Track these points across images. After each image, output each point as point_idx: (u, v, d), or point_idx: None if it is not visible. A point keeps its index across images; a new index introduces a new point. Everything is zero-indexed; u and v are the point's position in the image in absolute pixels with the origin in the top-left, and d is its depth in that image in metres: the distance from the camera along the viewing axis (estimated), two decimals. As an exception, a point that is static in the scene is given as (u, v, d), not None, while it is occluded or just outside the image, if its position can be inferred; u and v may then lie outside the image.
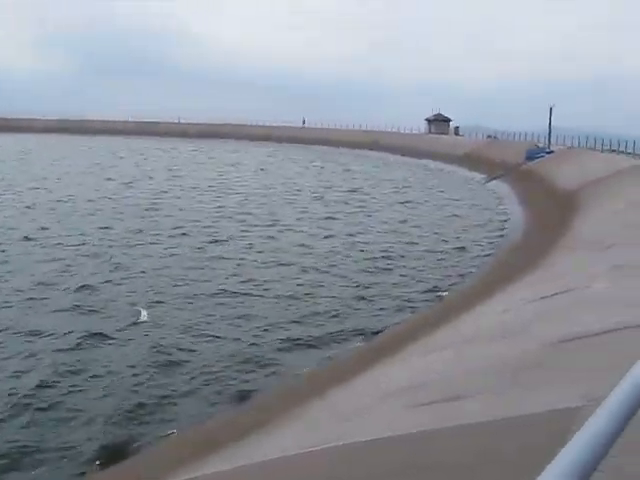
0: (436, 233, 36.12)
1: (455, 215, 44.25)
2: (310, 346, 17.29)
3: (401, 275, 25.54)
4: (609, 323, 8.57)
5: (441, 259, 28.88)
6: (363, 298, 21.68)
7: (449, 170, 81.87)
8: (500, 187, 61.64)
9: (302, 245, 30.79)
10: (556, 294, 13.37)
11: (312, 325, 18.90)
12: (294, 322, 19.07)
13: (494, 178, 67.97)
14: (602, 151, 66.04)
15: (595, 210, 32.60)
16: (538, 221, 37.21)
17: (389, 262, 27.75)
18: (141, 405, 13.53)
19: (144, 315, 19.08)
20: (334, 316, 19.69)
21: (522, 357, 8.78)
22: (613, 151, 64.56)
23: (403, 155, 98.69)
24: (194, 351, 16.63)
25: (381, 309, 20.69)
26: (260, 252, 28.85)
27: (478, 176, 72.22)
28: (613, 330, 8.14)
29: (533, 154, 72.04)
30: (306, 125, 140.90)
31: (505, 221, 41.39)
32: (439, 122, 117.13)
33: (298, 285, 23.25)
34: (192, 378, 14.95)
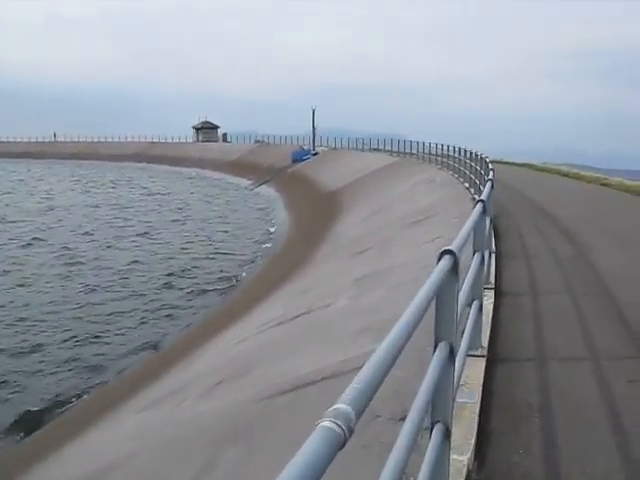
0: (203, 243, 33.75)
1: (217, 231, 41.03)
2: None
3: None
4: (330, 366, 6.78)
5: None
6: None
7: (217, 177, 79.78)
8: (267, 192, 60.74)
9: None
10: (297, 317, 11.66)
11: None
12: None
13: (262, 183, 67.11)
14: (363, 150, 67.45)
15: (356, 210, 32.08)
16: (302, 226, 36.18)
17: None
18: None
19: None
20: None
21: (231, 420, 6.77)
22: (375, 150, 66.04)
23: (171, 165, 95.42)
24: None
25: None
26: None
27: (246, 182, 70.97)
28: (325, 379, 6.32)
29: (299, 156, 72.34)
30: (57, 139, 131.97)
31: (271, 227, 39.96)
32: (207, 129, 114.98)
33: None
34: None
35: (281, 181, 63.45)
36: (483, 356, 5.84)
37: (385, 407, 4.94)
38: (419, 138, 47.66)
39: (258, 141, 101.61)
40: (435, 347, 3.11)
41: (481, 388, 5.22)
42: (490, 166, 15.72)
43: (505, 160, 47.00)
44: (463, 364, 4.80)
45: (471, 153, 23.33)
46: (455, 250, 3.16)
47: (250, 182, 70.40)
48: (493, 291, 8.40)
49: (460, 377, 4.64)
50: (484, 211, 5.91)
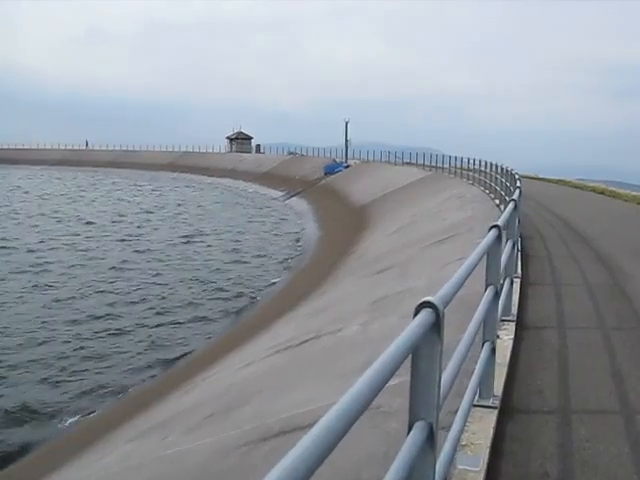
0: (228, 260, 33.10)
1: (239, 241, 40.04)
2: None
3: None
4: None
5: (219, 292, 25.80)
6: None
7: (250, 189, 79.39)
8: (299, 204, 60.12)
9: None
10: (305, 342, 10.85)
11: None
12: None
13: (293, 195, 66.58)
14: (396, 164, 66.59)
15: (384, 225, 31.28)
16: (329, 240, 35.43)
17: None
18: None
19: None
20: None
21: (206, 469, 5.98)
22: (407, 163, 65.17)
23: (204, 175, 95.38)
24: None
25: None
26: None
27: (277, 193, 70.45)
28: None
29: (331, 169, 71.90)
30: (90, 147, 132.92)
31: (298, 241, 39.22)
32: (241, 140, 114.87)
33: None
34: None
35: (312, 193, 62.85)
36: (495, 407, 5.03)
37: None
38: (452, 152, 46.90)
39: (291, 153, 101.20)
40: (410, 427, 2.54)
41: (489, 450, 4.37)
42: (518, 183, 14.55)
43: (539, 176, 45.90)
44: (466, 418, 4.11)
45: (502, 168, 22.37)
46: (437, 302, 2.50)
47: (282, 194, 69.86)
48: (514, 324, 7.46)
49: (457, 445, 3.80)
50: (499, 237, 5.06)
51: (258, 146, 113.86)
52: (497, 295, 5.09)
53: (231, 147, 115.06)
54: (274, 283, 26.25)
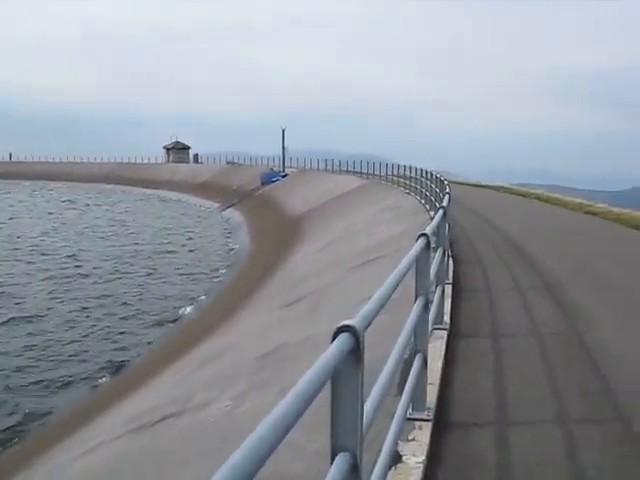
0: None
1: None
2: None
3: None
4: None
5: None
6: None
7: (184, 200, 76.01)
8: (233, 216, 57.31)
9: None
10: (163, 419, 8.02)
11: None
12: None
13: (229, 206, 63.70)
14: (333, 171, 64.21)
15: (313, 240, 28.69)
16: (258, 258, 32.66)
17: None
18: None
19: None
20: None
21: None
22: (348, 172, 62.87)
23: (139, 186, 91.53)
24: None
25: None
26: None
27: (213, 205, 67.42)
28: None
29: (268, 178, 69.31)
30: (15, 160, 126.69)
31: (225, 259, 36.16)
32: (178, 150, 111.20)
33: None
34: None
35: (248, 204, 60.26)
36: (429, 419, 4.93)
37: None
38: (398, 160, 44.74)
39: (229, 162, 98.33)
40: (332, 459, 2.34)
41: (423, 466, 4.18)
42: (447, 189, 13.91)
43: (482, 183, 44.26)
44: (399, 432, 4.00)
45: (436, 177, 19.98)
46: (357, 326, 2.34)
47: (217, 205, 66.93)
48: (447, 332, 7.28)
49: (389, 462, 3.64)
50: (428, 246, 4.94)
51: (196, 155, 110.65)
52: (427, 305, 5.01)
53: (168, 157, 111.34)
54: (183, 314, 22.86)
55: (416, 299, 4.79)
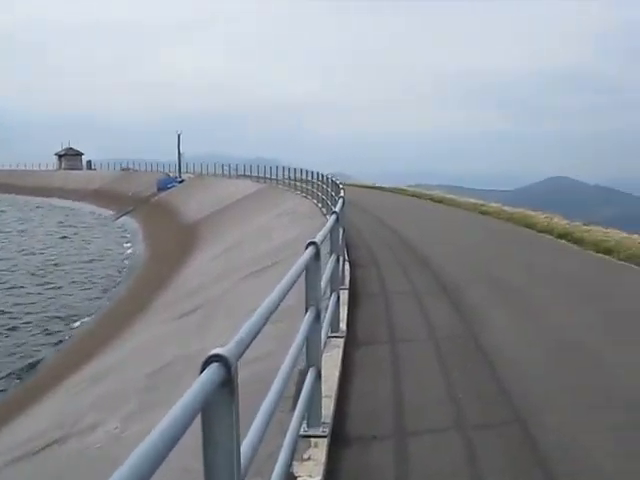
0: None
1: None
2: None
3: None
4: None
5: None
6: None
7: (78, 208, 73.48)
8: (128, 223, 55.82)
9: None
10: (46, 447, 7.48)
11: None
12: None
13: (124, 214, 62.02)
14: (230, 176, 63.54)
15: (209, 247, 28.17)
16: (154, 266, 31.74)
17: None
18: None
19: None
20: None
21: None
22: (245, 176, 62.29)
23: (30, 195, 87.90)
24: None
25: None
26: None
27: (107, 212, 65.48)
28: None
29: (164, 184, 67.84)
30: None
31: (120, 269, 34.96)
32: (70, 157, 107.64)
33: None
34: None
35: (144, 211, 58.85)
36: (324, 436, 4.65)
37: None
38: (296, 163, 44.65)
39: (124, 169, 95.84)
40: None
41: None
42: (342, 193, 13.80)
43: (376, 185, 44.80)
44: (293, 451, 3.89)
45: (332, 180, 19.94)
46: (228, 355, 2.13)
47: (112, 212, 65.02)
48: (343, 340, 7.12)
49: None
50: (317, 254, 4.67)
51: (89, 162, 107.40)
52: (319, 316, 4.76)
53: (60, 164, 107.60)
54: (76, 328, 21.73)
55: (307, 310, 4.55)
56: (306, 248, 4.56)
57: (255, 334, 2.64)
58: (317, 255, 4.70)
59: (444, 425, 5.46)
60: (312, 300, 4.67)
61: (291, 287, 3.62)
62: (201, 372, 2.04)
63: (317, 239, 4.85)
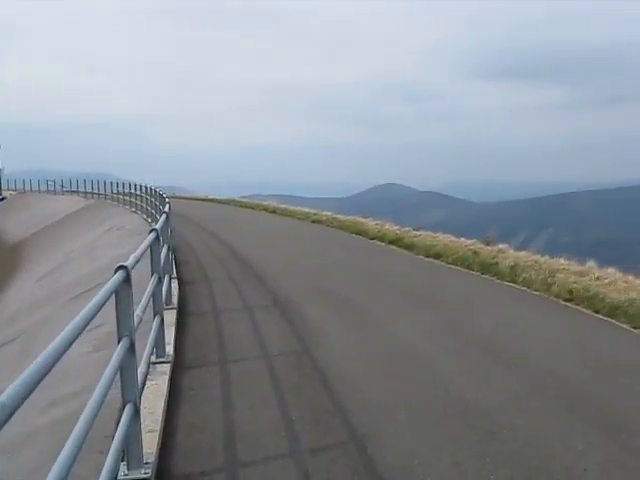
0: None
1: None
2: None
3: None
4: None
5: None
6: None
7: None
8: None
9: None
10: None
11: None
12: None
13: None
14: (55, 193, 60.52)
15: (32, 269, 26.51)
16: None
17: None
18: None
19: None
20: None
21: None
22: (73, 192, 59.45)
23: None
24: None
25: None
26: None
27: None
28: None
29: (-17, 203, 63.60)
30: None
31: None
32: None
33: None
34: None
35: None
36: (146, 479, 4.19)
37: None
38: (129, 177, 43.19)
39: None
40: None
41: None
42: (166, 208, 13.20)
43: (209, 197, 44.36)
44: None
45: (159, 194, 19.31)
46: None
47: None
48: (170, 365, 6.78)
49: None
50: (127, 280, 4.11)
51: None
52: (133, 347, 4.18)
53: None
54: None
55: (119, 341, 4.05)
56: (114, 273, 4.00)
57: (23, 399, 2.06)
58: (127, 280, 4.15)
59: (279, 452, 5.15)
60: (125, 330, 4.15)
61: (88, 322, 3.05)
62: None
63: (129, 262, 4.34)
